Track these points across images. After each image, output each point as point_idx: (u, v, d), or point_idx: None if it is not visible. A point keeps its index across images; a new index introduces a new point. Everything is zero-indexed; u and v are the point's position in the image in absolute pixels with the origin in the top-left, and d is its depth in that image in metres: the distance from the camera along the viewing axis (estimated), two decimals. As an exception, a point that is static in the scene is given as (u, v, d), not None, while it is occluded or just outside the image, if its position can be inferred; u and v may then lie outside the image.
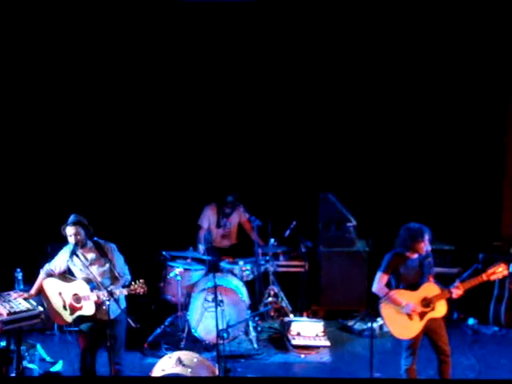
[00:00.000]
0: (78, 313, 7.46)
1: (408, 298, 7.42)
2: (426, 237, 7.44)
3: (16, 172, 10.56)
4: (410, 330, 7.46)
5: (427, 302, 7.42)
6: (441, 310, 7.47)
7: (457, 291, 7.39)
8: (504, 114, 10.43)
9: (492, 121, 10.51)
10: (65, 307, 7.51)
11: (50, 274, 7.64)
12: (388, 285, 7.59)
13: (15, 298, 7.66)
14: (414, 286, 7.46)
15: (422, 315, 7.43)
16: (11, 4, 10.00)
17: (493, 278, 7.45)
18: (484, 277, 7.41)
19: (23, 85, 10.45)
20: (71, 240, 7.46)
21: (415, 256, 7.50)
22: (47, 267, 7.67)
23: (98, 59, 10.45)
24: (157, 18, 10.28)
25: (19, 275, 8.92)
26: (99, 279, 7.39)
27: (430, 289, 7.46)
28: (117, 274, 7.53)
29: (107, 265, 7.51)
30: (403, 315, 7.42)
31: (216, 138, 10.78)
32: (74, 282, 7.49)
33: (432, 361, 7.74)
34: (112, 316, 7.35)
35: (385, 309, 7.48)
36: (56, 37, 10.23)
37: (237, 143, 10.77)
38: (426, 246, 7.45)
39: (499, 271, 7.40)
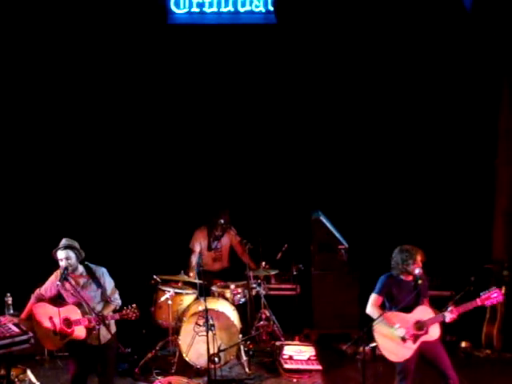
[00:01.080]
0: (69, 338, 7.40)
1: (401, 321, 7.38)
2: (418, 258, 7.42)
3: (7, 195, 10.54)
4: (402, 353, 7.42)
5: (421, 325, 7.39)
6: (434, 333, 7.43)
7: (450, 315, 7.35)
8: (495, 137, 10.47)
9: (482, 144, 10.55)
10: (55, 332, 7.45)
11: (40, 299, 7.60)
12: (382, 307, 7.56)
13: (5, 323, 7.59)
14: (408, 309, 7.43)
15: (415, 338, 7.40)
16: (11, 4, 10.03)
17: (487, 303, 7.43)
18: (478, 302, 7.39)
19: (21, 95, 10.49)
20: (62, 264, 7.42)
21: (410, 278, 7.48)
22: (38, 292, 7.63)
23: (99, 66, 10.53)
24: (145, 37, 10.38)
25: (9, 300, 8.85)
26: (90, 304, 7.34)
27: (424, 312, 7.43)
28: (108, 299, 7.49)
29: (98, 289, 7.48)
30: (396, 338, 7.38)
31: (207, 162, 10.82)
32: (65, 306, 7.44)
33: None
34: (103, 341, 7.30)
35: (378, 331, 7.44)
36: (56, 39, 10.33)
37: (227, 166, 10.81)
38: (417, 268, 7.43)
39: (494, 297, 7.37)
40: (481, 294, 7.44)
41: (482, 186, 10.56)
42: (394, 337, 7.39)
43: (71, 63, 10.43)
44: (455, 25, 10.19)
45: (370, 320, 7.58)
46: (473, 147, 10.56)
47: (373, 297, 7.54)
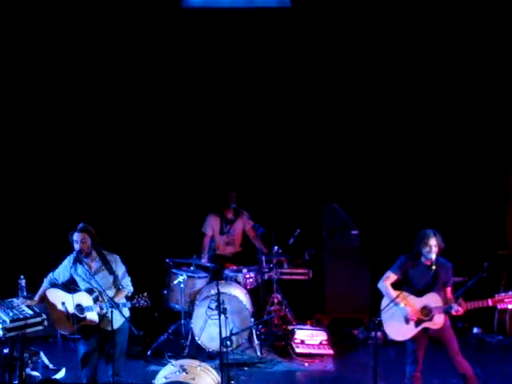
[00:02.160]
0: (82, 323, 7.44)
1: (409, 303, 7.39)
2: (432, 242, 7.36)
3: (21, 179, 10.59)
4: (402, 333, 7.45)
5: (427, 311, 7.38)
6: (437, 322, 7.40)
7: (457, 308, 7.30)
8: (510, 124, 10.40)
9: (497, 130, 10.48)
10: (68, 317, 7.48)
11: (53, 284, 7.64)
12: (396, 286, 7.54)
13: (18, 305, 7.63)
14: (420, 293, 7.42)
15: (417, 322, 7.40)
16: (11, 4, 10.02)
17: (500, 306, 7.36)
18: (490, 302, 7.32)
19: (23, 92, 10.49)
20: (76, 246, 7.45)
21: (428, 262, 7.43)
22: (51, 276, 7.67)
23: (100, 64, 10.49)
24: (159, 21, 10.32)
25: (22, 282, 8.88)
26: (103, 290, 7.37)
27: (433, 299, 7.41)
28: (120, 286, 7.52)
29: (111, 276, 7.50)
30: (400, 317, 7.39)
31: (220, 146, 10.81)
32: (78, 292, 7.47)
33: (437, 370, 7.70)
34: (115, 326, 7.32)
35: (383, 307, 7.45)
36: (57, 39, 10.30)
37: (241, 151, 10.79)
38: (431, 252, 7.37)
39: (507, 301, 7.28)
40: (495, 295, 7.36)
41: (496, 172, 10.50)
42: (397, 315, 7.39)
43: (85, 49, 10.41)
44: (470, 15, 10.09)
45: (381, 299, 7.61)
46: (488, 133, 10.48)
47: (387, 274, 7.56)
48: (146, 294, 7.46)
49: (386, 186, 10.70)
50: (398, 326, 7.43)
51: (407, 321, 7.40)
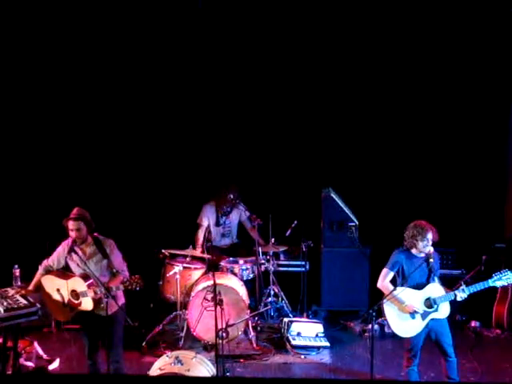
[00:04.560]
0: (77, 309, 7.39)
1: (411, 297, 7.38)
2: (429, 236, 7.38)
3: (15, 168, 10.53)
4: (411, 329, 7.43)
5: (430, 303, 7.39)
6: (444, 311, 7.43)
7: (461, 294, 7.34)
8: (507, 116, 10.37)
9: (495, 122, 10.45)
10: (64, 304, 7.44)
11: (48, 270, 7.59)
12: (393, 282, 7.56)
13: (13, 295, 7.59)
14: (419, 286, 7.42)
15: (424, 315, 7.39)
16: (11, 4, 9.95)
17: (498, 283, 7.44)
18: (490, 282, 7.39)
19: (23, 85, 10.40)
20: (72, 234, 7.41)
21: (422, 255, 7.46)
22: (45, 263, 7.62)
23: (99, 59, 10.41)
24: (158, 19, 10.23)
25: (17, 271, 8.84)
26: (96, 275, 7.32)
27: (435, 289, 7.42)
28: (115, 270, 7.46)
29: (105, 260, 7.45)
30: (406, 314, 7.39)
31: (217, 137, 10.75)
32: (72, 278, 7.41)
33: (433, 363, 7.66)
34: (110, 311, 7.27)
35: (388, 307, 7.43)
36: (56, 37, 10.20)
37: (238, 141, 10.73)
38: (428, 245, 7.38)
39: (505, 277, 7.38)
40: (493, 274, 7.43)
41: (495, 165, 10.46)
42: (403, 313, 7.39)
43: (79, 48, 10.33)
44: (467, 13, 10.02)
45: (379, 297, 7.61)
46: (485, 126, 10.44)
47: (384, 271, 7.55)
48: (138, 276, 7.38)
49: (384, 178, 10.65)
50: (405, 323, 7.41)
51: (413, 316, 7.39)
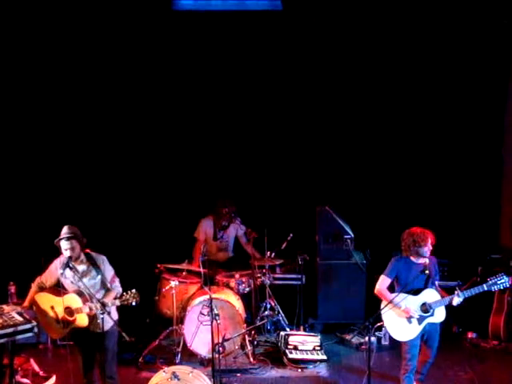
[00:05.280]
0: (72, 326, 7.37)
1: (408, 303, 7.48)
2: (429, 241, 7.52)
3: (10, 184, 10.50)
4: (408, 333, 7.55)
5: (426, 308, 7.51)
6: (439, 316, 7.56)
7: (457, 298, 7.47)
8: (501, 127, 10.41)
9: (489, 133, 10.48)
10: (57, 321, 7.42)
11: (41, 287, 7.56)
12: (391, 288, 7.67)
13: (8, 312, 7.56)
14: (416, 291, 7.54)
15: (420, 320, 7.52)
16: (11, 4, 9.97)
17: (494, 288, 7.54)
18: (485, 287, 7.52)
19: (21, 92, 10.41)
20: (66, 254, 7.37)
21: (420, 261, 7.56)
22: (38, 280, 7.60)
23: (98, 62, 10.43)
24: (150, 23, 10.27)
25: (12, 288, 8.83)
26: (92, 291, 7.30)
27: (431, 295, 7.55)
28: (108, 286, 7.44)
29: (99, 277, 7.43)
30: (403, 318, 7.50)
31: (212, 151, 10.76)
32: (66, 295, 7.39)
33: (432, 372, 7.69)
34: (105, 328, 7.26)
35: (385, 312, 7.53)
36: (56, 37, 10.23)
37: (234, 155, 10.76)
38: (430, 249, 7.54)
39: (500, 282, 7.50)
40: (488, 279, 7.56)
41: (489, 176, 10.49)
42: (400, 317, 7.51)
43: (77, 49, 10.35)
44: (462, 14, 10.07)
45: (375, 309, 7.68)
46: (480, 136, 10.47)
47: (382, 278, 7.67)
48: (134, 290, 7.36)
49: (379, 190, 10.67)
50: (402, 327, 7.54)
51: (410, 321, 7.50)
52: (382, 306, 7.52)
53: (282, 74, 10.51)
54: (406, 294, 7.48)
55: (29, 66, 10.34)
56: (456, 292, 7.49)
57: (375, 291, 7.67)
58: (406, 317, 7.50)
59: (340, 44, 10.38)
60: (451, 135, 10.54)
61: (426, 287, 7.55)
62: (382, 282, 7.62)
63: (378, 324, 7.80)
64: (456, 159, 10.60)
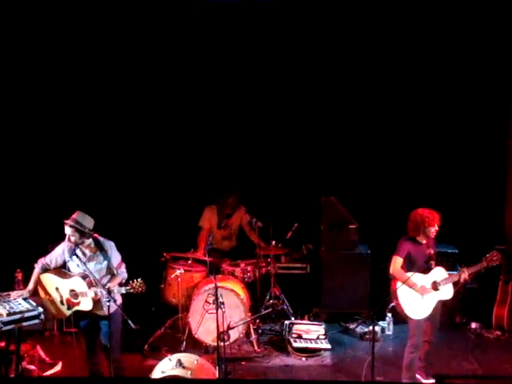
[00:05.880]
0: (76, 308, 7.44)
1: (421, 281, 7.73)
2: (437, 222, 7.77)
3: (17, 172, 10.52)
4: (423, 311, 7.77)
5: (437, 285, 7.74)
6: (448, 292, 7.83)
7: (464, 276, 7.75)
8: (507, 117, 10.37)
9: (495, 123, 10.45)
10: (62, 302, 7.49)
11: (45, 269, 7.62)
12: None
13: (15, 299, 7.61)
14: (425, 270, 7.78)
15: (432, 297, 7.76)
16: (11, 4, 9.97)
17: (490, 264, 7.87)
18: (484, 263, 7.85)
19: (23, 86, 10.41)
20: (67, 238, 7.45)
21: (424, 241, 7.82)
22: (43, 261, 7.64)
23: (99, 59, 10.41)
24: (157, 19, 10.24)
25: (19, 275, 8.87)
26: (97, 276, 7.35)
27: (439, 273, 7.81)
28: (114, 272, 7.49)
29: (105, 262, 7.49)
30: (418, 297, 7.72)
31: (218, 140, 10.75)
32: (71, 278, 7.45)
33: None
34: (109, 311, 7.30)
35: (401, 290, 7.72)
36: (56, 37, 10.19)
37: (239, 145, 10.73)
38: (435, 231, 7.82)
39: (495, 259, 7.87)
40: (487, 255, 7.91)
41: (494, 167, 10.47)
42: (415, 296, 7.72)
43: (79, 44, 10.34)
44: (466, 10, 10.05)
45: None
46: (485, 127, 10.45)
47: (394, 259, 7.81)
48: (140, 279, 7.42)
49: (384, 180, 10.65)
50: (417, 306, 7.74)
51: (424, 299, 7.74)
52: (399, 285, 7.67)
53: (287, 66, 10.47)
54: (420, 273, 7.72)
55: (31, 66, 10.35)
56: (462, 269, 7.80)
57: (391, 271, 7.80)
58: (421, 295, 7.69)
59: (346, 35, 10.33)
60: (457, 126, 10.51)
61: (427, 266, 7.79)
62: (396, 262, 7.77)
63: (392, 304, 7.88)
64: (462, 150, 10.57)
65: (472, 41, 10.16)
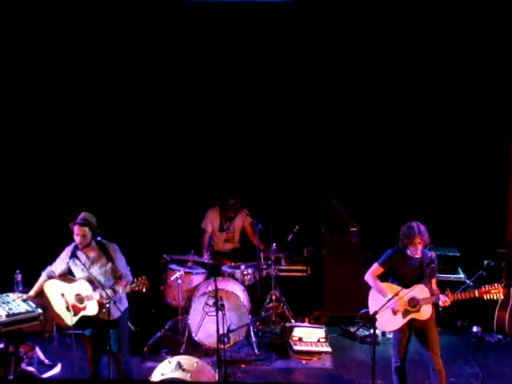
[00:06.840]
0: (82, 313, 7.40)
1: (396, 294, 7.33)
2: (417, 240, 7.35)
3: (19, 173, 10.53)
4: (391, 325, 7.49)
5: (414, 303, 7.39)
6: (425, 313, 7.43)
7: (445, 299, 7.35)
8: (509, 118, 10.36)
9: (496, 126, 10.44)
10: (68, 308, 7.44)
11: (50, 276, 7.59)
12: (383, 278, 7.61)
13: (14, 300, 7.59)
14: (407, 285, 7.40)
15: (405, 313, 7.42)
16: (11, 4, 9.97)
17: (486, 296, 7.39)
18: (476, 293, 7.39)
19: (23, 87, 10.40)
20: (76, 239, 7.41)
21: (417, 256, 7.46)
22: (48, 269, 7.63)
23: (100, 60, 10.42)
24: (157, 19, 10.27)
25: (19, 277, 8.86)
26: (101, 279, 7.32)
27: (421, 290, 7.41)
28: (119, 274, 7.47)
29: (109, 264, 7.45)
30: (388, 308, 7.36)
31: (220, 142, 10.76)
32: (76, 282, 7.43)
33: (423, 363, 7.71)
34: (115, 316, 7.31)
35: (372, 299, 7.54)
36: (56, 37, 10.22)
37: (241, 147, 10.74)
38: (418, 249, 7.39)
39: (493, 292, 7.35)
40: (482, 286, 7.44)
41: (496, 169, 10.45)
42: (385, 307, 7.33)
43: (79, 44, 10.34)
44: (469, 12, 10.04)
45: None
46: (486, 129, 10.43)
47: (374, 265, 7.62)
48: (144, 277, 7.40)
49: (385, 183, 10.65)
50: (386, 317, 7.42)
51: (395, 312, 7.42)
52: (370, 293, 7.51)
53: (290, 66, 10.46)
54: (398, 286, 7.39)
55: (32, 67, 10.36)
56: (446, 293, 7.40)
57: (365, 277, 7.59)
58: (391, 308, 7.36)
59: (347, 38, 10.33)
60: (458, 129, 10.50)
61: (418, 282, 7.40)
62: (373, 270, 7.56)
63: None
64: (463, 153, 10.56)
65: (473, 42, 10.16)
